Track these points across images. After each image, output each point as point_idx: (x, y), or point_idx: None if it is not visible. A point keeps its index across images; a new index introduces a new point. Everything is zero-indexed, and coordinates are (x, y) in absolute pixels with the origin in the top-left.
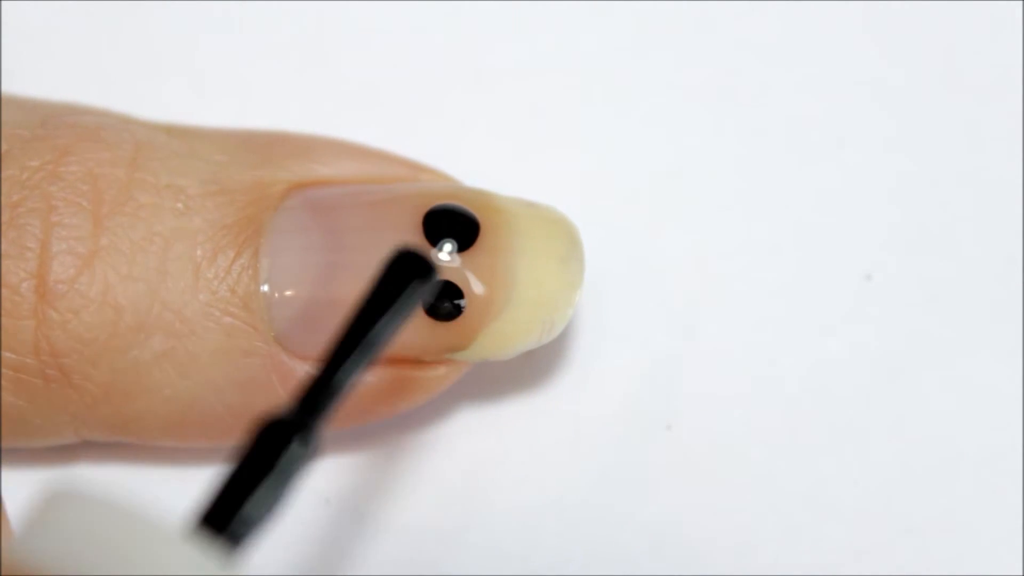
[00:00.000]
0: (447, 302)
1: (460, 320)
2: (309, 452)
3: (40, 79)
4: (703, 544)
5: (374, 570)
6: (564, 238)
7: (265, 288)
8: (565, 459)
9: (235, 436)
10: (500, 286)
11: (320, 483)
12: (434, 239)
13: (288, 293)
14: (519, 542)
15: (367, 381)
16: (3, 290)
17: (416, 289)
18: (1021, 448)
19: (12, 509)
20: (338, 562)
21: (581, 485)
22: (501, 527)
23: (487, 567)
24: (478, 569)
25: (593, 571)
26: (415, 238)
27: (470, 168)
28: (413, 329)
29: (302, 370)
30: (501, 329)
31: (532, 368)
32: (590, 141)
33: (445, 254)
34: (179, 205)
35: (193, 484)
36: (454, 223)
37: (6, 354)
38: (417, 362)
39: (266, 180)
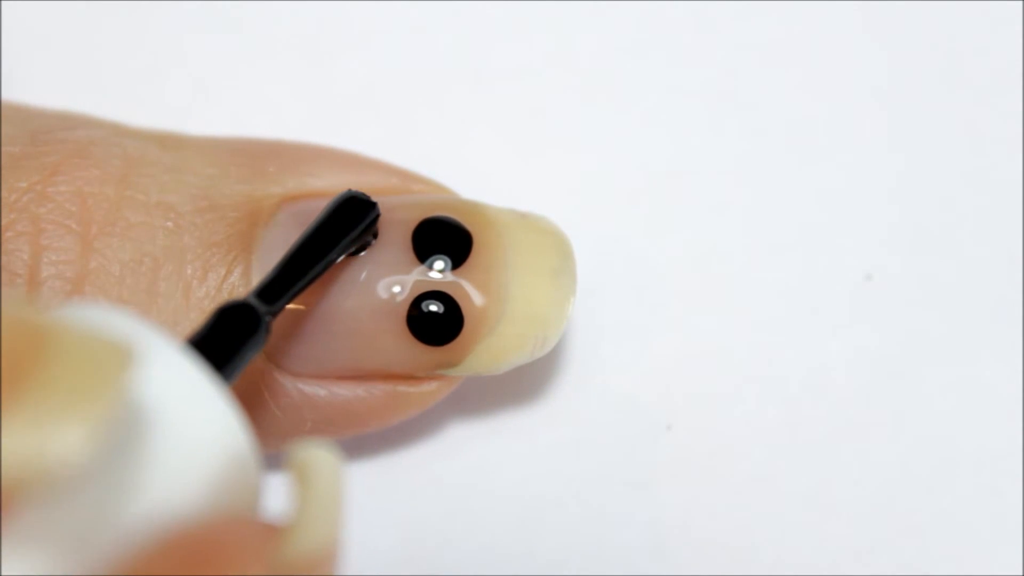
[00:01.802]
0: (441, 325)
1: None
2: (265, 339)
3: (39, 80)
4: (703, 544)
5: (374, 570)
6: (556, 251)
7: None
8: (565, 459)
9: None
10: (493, 301)
11: None
12: (424, 252)
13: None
14: (519, 542)
15: (359, 395)
16: None
17: (362, 228)
18: (1021, 448)
19: None
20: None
21: (581, 485)
22: (501, 527)
23: (487, 567)
24: (478, 569)
25: (593, 571)
26: (406, 252)
27: (469, 168)
28: (405, 347)
29: (294, 387)
30: (493, 345)
31: (531, 369)
32: (590, 141)
33: (436, 271)
34: (169, 223)
35: None
36: (446, 236)
37: None
38: (409, 377)
39: (257, 194)
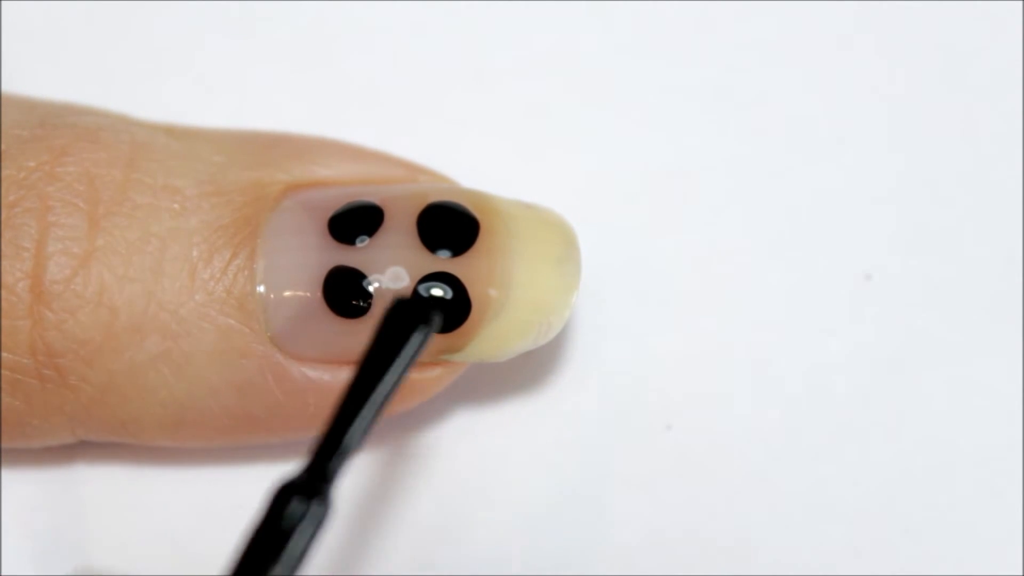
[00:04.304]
0: (447, 310)
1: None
2: (325, 514)
3: (40, 79)
4: (703, 544)
5: (374, 570)
6: (561, 240)
7: (261, 289)
8: (565, 459)
9: (232, 437)
10: (498, 287)
11: None
12: (430, 237)
13: (284, 294)
14: (519, 542)
15: None
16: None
17: (419, 340)
18: (1021, 448)
19: (12, 508)
20: (338, 562)
21: (581, 485)
22: (501, 527)
23: (487, 567)
24: (478, 569)
25: (593, 571)
26: (412, 237)
27: (469, 168)
28: None
29: (298, 371)
30: (497, 331)
31: (532, 368)
32: (590, 141)
33: (441, 256)
34: (175, 206)
35: (191, 484)
36: (452, 222)
37: (3, 355)
38: None
39: (263, 181)
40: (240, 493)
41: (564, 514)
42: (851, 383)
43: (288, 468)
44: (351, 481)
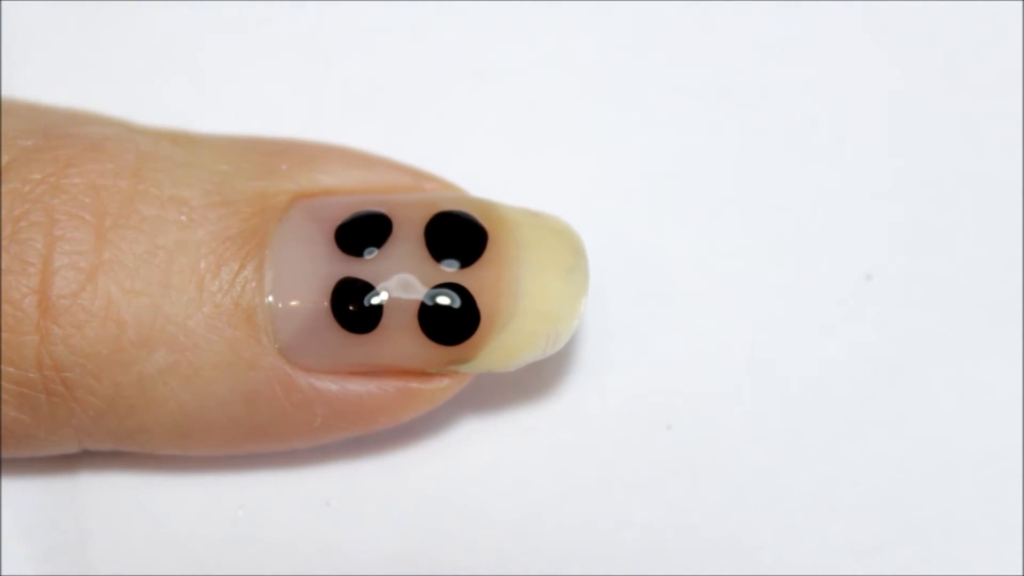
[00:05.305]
0: (455, 321)
1: None
2: None
3: (41, 80)
4: (703, 544)
5: (374, 570)
6: (568, 249)
7: (269, 300)
8: (565, 459)
9: (239, 446)
10: (506, 298)
11: (320, 486)
12: (438, 247)
13: (292, 304)
14: (519, 542)
15: (371, 391)
16: (5, 306)
17: None
18: (1021, 448)
19: (14, 514)
20: (338, 563)
21: (581, 485)
22: (501, 528)
23: (487, 567)
24: (478, 569)
25: (593, 571)
26: (420, 248)
27: (470, 169)
28: (417, 342)
29: (306, 382)
30: (506, 342)
31: (533, 369)
32: (590, 141)
33: (449, 267)
34: (182, 217)
35: (196, 489)
36: (460, 232)
37: (9, 369)
38: (421, 374)
39: (270, 191)
40: (242, 497)
41: (564, 514)
42: (851, 383)
43: (290, 472)
44: (354, 483)
